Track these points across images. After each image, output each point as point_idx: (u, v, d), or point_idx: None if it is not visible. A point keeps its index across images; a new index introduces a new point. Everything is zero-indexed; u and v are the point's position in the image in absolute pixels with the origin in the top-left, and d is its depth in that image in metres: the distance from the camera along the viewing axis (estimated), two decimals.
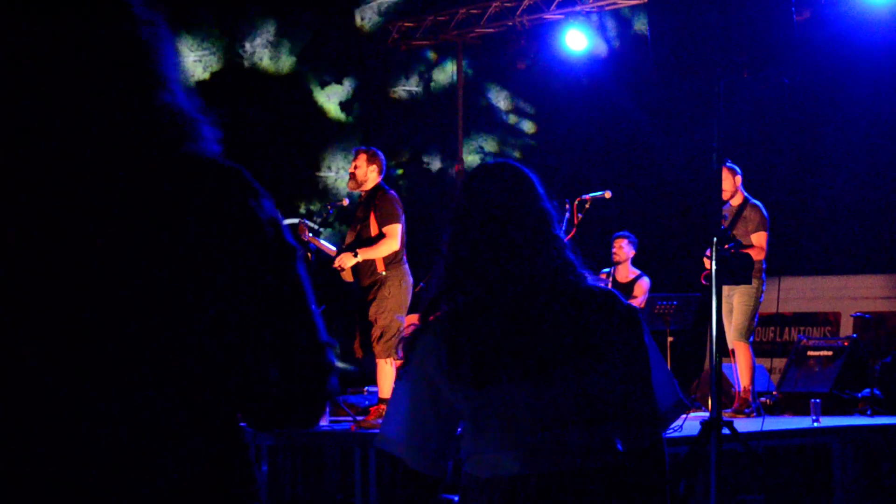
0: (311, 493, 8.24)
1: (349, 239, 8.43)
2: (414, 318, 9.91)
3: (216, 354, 1.66)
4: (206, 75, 12.56)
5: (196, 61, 12.54)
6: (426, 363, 2.53)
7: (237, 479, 1.72)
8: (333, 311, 11.05)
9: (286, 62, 12.97)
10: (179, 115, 1.73)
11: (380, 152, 8.40)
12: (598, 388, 2.50)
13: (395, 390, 2.65)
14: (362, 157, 8.33)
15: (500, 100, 14.24)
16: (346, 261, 8.16)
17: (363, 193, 8.36)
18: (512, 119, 14.31)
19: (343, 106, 13.32)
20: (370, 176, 8.28)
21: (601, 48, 11.80)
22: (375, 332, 8.19)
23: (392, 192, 8.30)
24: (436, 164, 13.92)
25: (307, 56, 13.04)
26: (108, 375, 1.62)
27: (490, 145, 14.23)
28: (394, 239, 8.13)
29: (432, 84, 13.91)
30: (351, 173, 8.37)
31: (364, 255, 8.13)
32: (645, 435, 2.56)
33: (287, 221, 10.46)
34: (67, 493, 1.60)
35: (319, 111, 13.23)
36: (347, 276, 8.36)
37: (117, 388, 1.62)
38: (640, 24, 13.10)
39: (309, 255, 8.53)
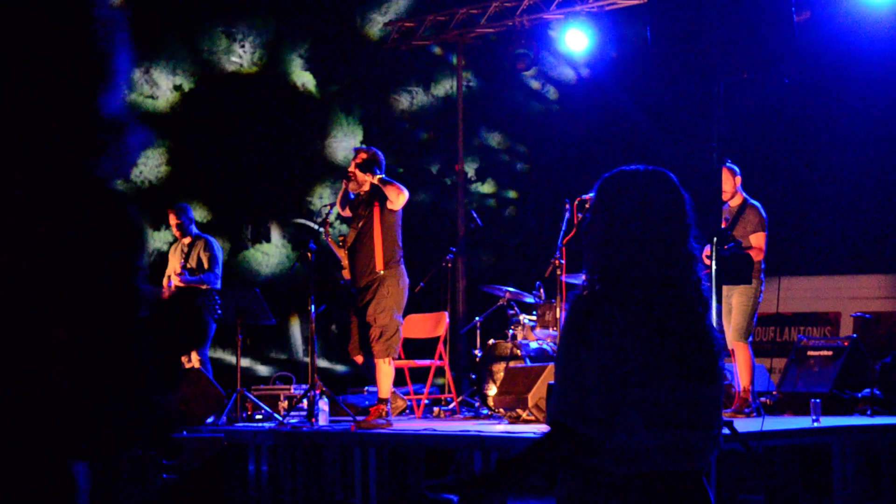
0: (311, 493, 8.24)
1: (351, 237, 8.43)
2: (416, 318, 9.95)
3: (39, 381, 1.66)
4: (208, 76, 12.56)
5: (196, 61, 12.53)
6: (619, 339, 2.58)
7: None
8: (331, 312, 11.04)
9: (286, 64, 12.96)
10: (109, 127, 1.74)
11: (379, 152, 8.40)
12: (719, 399, 2.71)
13: (571, 365, 2.61)
14: (361, 157, 8.33)
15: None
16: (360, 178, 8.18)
17: (362, 193, 8.36)
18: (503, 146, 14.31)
19: (343, 106, 13.32)
20: (367, 176, 8.28)
21: (601, 48, 11.78)
22: (374, 332, 8.18)
23: None
24: (436, 164, 13.91)
25: (307, 58, 13.03)
26: None
27: (495, 139, 14.24)
28: (402, 191, 8.12)
29: (432, 84, 13.90)
30: (351, 173, 8.36)
31: (381, 180, 8.11)
32: (716, 449, 2.74)
33: (302, 222, 10.46)
34: None
35: (320, 111, 13.23)
36: (346, 274, 8.37)
37: None
38: (640, 25, 13.10)
39: (309, 254, 8.53)
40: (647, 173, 2.78)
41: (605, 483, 2.59)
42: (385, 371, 8.24)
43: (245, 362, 12.17)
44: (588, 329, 2.59)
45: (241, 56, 12.66)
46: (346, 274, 8.40)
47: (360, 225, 8.34)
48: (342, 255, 8.43)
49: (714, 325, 2.74)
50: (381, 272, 8.17)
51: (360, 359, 8.48)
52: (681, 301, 2.66)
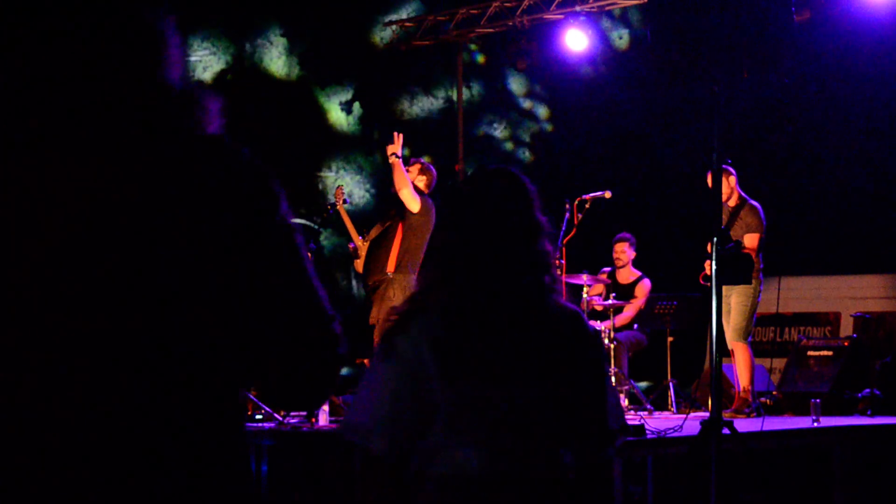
0: (311, 493, 8.24)
1: (374, 233, 8.41)
2: None
3: (228, 335, 1.67)
4: (208, 76, 12.55)
5: (197, 61, 12.53)
6: (419, 350, 2.51)
7: (235, 478, 1.72)
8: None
9: (289, 65, 12.97)
10: (187, 95, 1.74)
11: (432, 168, 8.39)
12: (557, 401, 2.56)
13: (370, 377, 2.59)
14: (416, 168, 8.33)
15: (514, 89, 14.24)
16: (394, 147, 8.05)
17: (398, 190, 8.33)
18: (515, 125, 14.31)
19: (342, 105, 13.32)
20: (418, 184, 8.25)
21: (601, 48, 11.78)
22: (376, 335, 8.18)
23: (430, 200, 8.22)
24: (437, 163, 13.91)
25: (310, 59, 13.04)
26: (120, 366, 1.62)
27: (502, 132, 14.24)
28: (415, 203, 8.01)
29: (432, 84, 13.91)
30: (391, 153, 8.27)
31: (399, 167, 8.01)
32: (594, 453, 2.64)
33: (300, 222, 10.48)
34: (66, 487, 1.60)
35: (321, 113, 13.23)
36: (358, 266, 8.36)
37: (127, 379, 1.62)
38: (641, 25, 13.10)
39: (309, 254, 8.53)
40: (489, 174, 2.69)
41: (430, 482, 2.51)
42: None
43: None
44: (394, 342, 2.52)
45: (239, 57, 12.68)
46: (357, 266, 8.38)
47: (385, 223, 8.33)
48: (352, 230, 8.39)
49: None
50: (391, 274, 8.12)
51: (368, 361, 8.48)
52: (515, 301, 2.55)
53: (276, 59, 12.89)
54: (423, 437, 2.53)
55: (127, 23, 1.73)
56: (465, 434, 2.50)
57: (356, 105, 13.39)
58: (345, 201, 8.70)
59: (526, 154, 14.39)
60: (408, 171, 8.24)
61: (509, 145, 14.39)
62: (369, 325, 8.22)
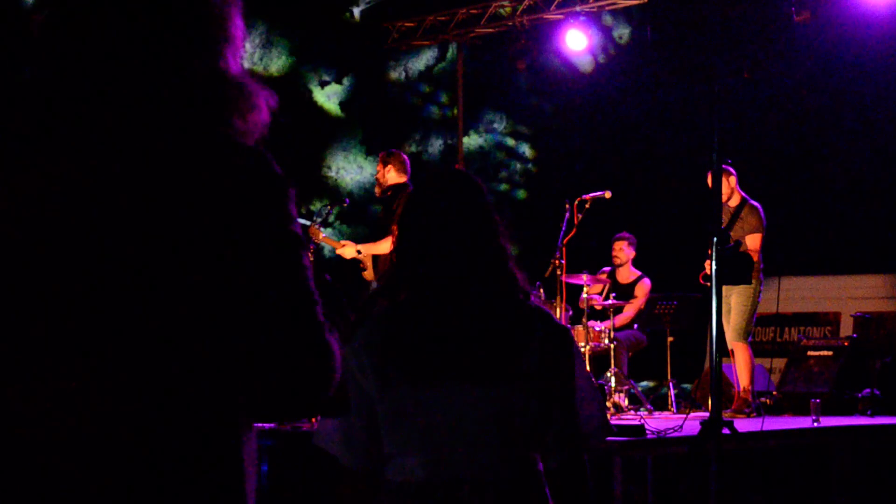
0: (311, 493, 8.24)
1: (370, 249, 8.49)
2: None
3: (219, 337, 1.65)
4: None
5: None
6: (360, 359, 2.49)
7: (227, 477, 1.69)
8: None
9: (280, 62, 12.96)
10: (226, 84, 1.72)
11: (396, 151, 8.44)
12: (514, 402, 2.47)
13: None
14: (379, 162, 8.39)
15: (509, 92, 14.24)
16: (347, 251, 8.19)
17: (388, 192, 8.40)
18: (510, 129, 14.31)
19: (342, 104, 13.32)
20: (388, 177, 8.31)
21: (601, 48, 11.79)
22: None
23: None
24: (435, 161, 13.91)
25: (302, 55, 13.03)
26: (112, 361, 1.61)
27: (503, 126, 14.23)
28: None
29: (432, 84, 13.90)
30: (376, 179, 8.45)
31: (365, 249, 8.16)
32: (563, 454, 2.56)
33: (301, 222, 10.45)
34: (57, 484, 1.59)
35: (318, 110, 13.23)
36: (368, 275, 8.39)
37: (118, 371, 1.61)
38: (640, 25, 13.10)
39: (310, 255, 8.52)
40: (443, 175, 2.69)
41: (387, 490, 2.49)
42: None
43: None
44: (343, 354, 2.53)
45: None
46: (367, 276, 8.40)
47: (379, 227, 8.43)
48: (341, 250, 8.44)
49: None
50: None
51: None
52: (459, 301, 2.50)
53: (277, 59, 12.89)
54: (379, 445, 2.51)
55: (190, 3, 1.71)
56: (405, 440, 2.46)
57: (343, 88, 13.39)
58: (332, 225, 8.79)
59: (527, 148, 14.40)
60: (378, 170, 8.33)
61: (511, 141, 14.39)
62: None
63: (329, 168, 13.24)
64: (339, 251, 8.29)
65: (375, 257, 8.34)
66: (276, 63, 12.91)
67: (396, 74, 13.68)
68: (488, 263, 2.54)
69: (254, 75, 1.76)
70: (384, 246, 8.14)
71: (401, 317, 2.52)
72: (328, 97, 13.26)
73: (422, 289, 2.53)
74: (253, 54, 12.75)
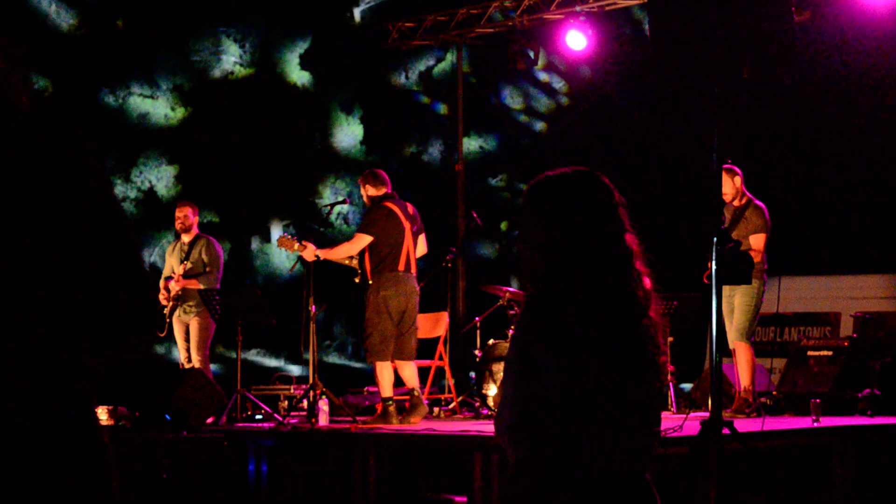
0: (311, 493, 8.24)
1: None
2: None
3: (46, 286, 1.79)
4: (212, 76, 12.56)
5: (193, 68, 12.53)
6: (553, 344, 2.58)
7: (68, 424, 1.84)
8: (334, 312, 11.04)
9: (283, 64, 12.97)
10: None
11: (372, 171, 8.61)
12: (656, 399, 2.70)
13: (509, 381, 2.64)
14: (361, 184, 8.54)
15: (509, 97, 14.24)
16: (308, 254, 8.39)
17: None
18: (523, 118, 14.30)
19: (342, 105, 13.33)
20: (369, 194, 8.60)
21: (601, 48, 11.78)
22: (365, 337, 8.50)
23: (387, 207, 8.43)
24: (435, 161, 13.91)
25: (305, 59, 13.04)
26: None
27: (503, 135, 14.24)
28: (355, 244, 8.41)
29: (432, 84, 13.90)
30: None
31: (323, 254, 8.38)
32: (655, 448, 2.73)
33: (277, 237, 10.55)
34: None
35: (317, 109, 13.23)
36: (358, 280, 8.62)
37: None
38: (640, 24, 13.09)
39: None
40: (575, 175, 2.78)
41: (555, 483, 2.56)
42: (378, 373, 8.48)
43: (274, 362, 12.24)
44: (545, 332, 2.59)
45: (240, 58, 12.66)
46: (357, 280, 8.61)
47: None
48: (303, 252, 8.57)
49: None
50: (370, 281, 8.46)
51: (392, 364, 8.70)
52: (623, 297, 2.67)
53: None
54: (563, 434, 2.59)
55: None
56: (604, 429, 2.58)
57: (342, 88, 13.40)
58: (332, 226, 9.04)
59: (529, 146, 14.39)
60: (362, 193, 8.58)
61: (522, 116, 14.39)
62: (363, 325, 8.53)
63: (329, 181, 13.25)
64: (301, 254, 8.45)
65: (361, 262, 8.49)
66: (277, 63, 12.92)
67: (397, 75, 13.69)
68: (626, 260, 2.74)
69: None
70: (340, 250, 8.30)
71: (584, 319, 2.61)
72: (328, 97, 13.26)
73: (589, 285, 2.65)
74: (253, 54, 12.75)
